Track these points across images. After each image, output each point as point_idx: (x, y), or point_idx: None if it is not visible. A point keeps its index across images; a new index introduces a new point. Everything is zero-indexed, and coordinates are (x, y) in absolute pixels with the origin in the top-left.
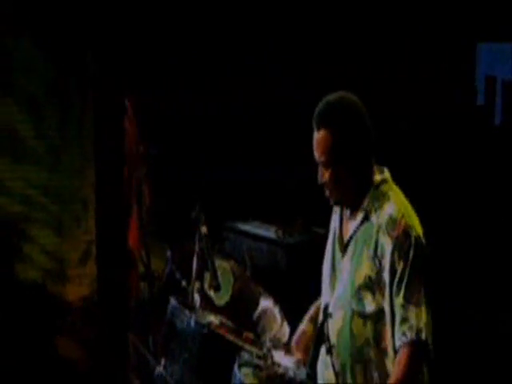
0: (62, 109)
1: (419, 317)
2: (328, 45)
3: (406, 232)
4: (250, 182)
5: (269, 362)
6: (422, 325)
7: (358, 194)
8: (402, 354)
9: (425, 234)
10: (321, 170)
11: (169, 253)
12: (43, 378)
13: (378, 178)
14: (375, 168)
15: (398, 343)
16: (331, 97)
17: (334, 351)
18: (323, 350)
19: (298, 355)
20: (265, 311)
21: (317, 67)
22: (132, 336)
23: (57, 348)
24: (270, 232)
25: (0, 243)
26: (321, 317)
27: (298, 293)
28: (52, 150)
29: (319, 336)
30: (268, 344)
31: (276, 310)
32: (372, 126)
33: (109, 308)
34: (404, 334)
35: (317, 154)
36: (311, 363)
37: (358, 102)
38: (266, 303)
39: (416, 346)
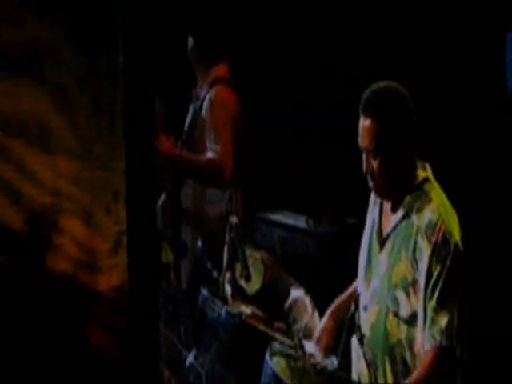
0: (93, 99)
1: (451, 323)
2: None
3: (445, 238)
4: (281, 170)
5: (300, 351)
6: (453, 331)
7: (401, 187)
8: (428, 356)
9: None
10: (366, 158)
11: (200, 243)
12: (75, 369)
13: (421, 174)
14: (418, 163)
15: (426, 346)
16: (378, 85)
17: (366, 341)
18: (355, 339)
19: (319, 352)
20: (296, 301)
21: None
22: (163, 326)
23: (88, 339)
24: (300, 222)
25: (31, 235)
26: (353, 307)
27: (329, 283)
28: (82, 141)
29: (350, 326)
30: (299, 334)
31: (307, 300)
32: (417, 118)
33: (140, 298)
34: (433, 337)
35: (364, 142)
36: (342, 352)
37: (404, 90)
38: (296, 293)
39: (443, 351)
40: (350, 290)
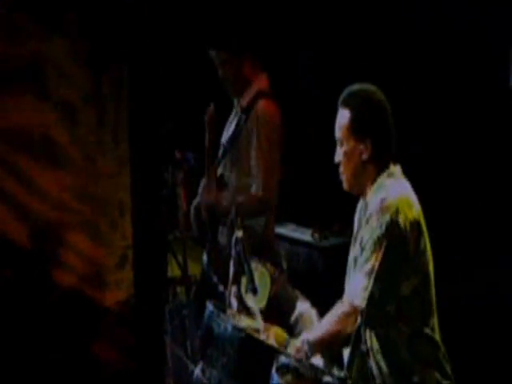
0: (97, 114)
1: (360, 284)
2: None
3: (384, 209)
4: (286, 184)
5: (306, 364)
6: (359, 292)
7: (367, 181)
8: (333, 309)
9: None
10: (337, 149)
11: (205, 257)
12: (82, 382)
13: (387, 172)
14: (390, 164)
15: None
16: (358, 84)
17: (371, 354)
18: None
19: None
20: (302, 315)
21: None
22: (169, 340)
23: (94, 353)
24: (306, 235)
25: (36, 249)
26: (359, 320)
27: (335, 296)
28: (87, 155)
29: (356, 338)
30: (305, 347)
31: (313, 314)
32: (393, 123)
33: (146, 312)
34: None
35: (335, 132)
36: (348, 366)
37: (381, 95)
38: (303, 306)
39: (347, 307)
40: None
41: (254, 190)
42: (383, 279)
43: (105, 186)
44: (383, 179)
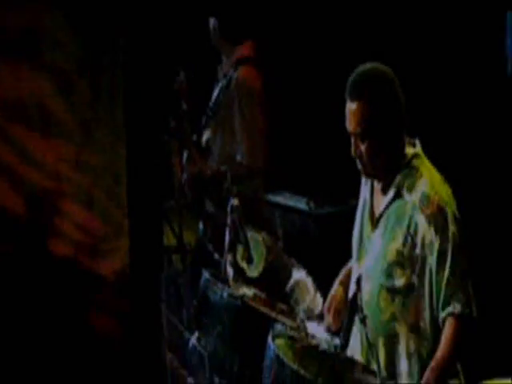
0: (93, 83)
1: (467, 291)
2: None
3: (441, 208)
4: (281, 152)
5: (302, 333)
6: (470, 299)
7: (390, 167)
8: (452, 328)
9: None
10: (355, 142)
11: (201, 225)
12: (77, 353)
13: (409, 151)
14: (407, 141)
15: (443, 315)
16: (364, 67)
17: (368, 322)
18: (357, 320)
19: (329, 319)
20: (298, 283)
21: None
22: (165, 309)
23: (90, 322)
24: (301, 203)
25: (32, 219)
26: (353, 288)
27: (331, 264)
28: (83, 125)
29: (352, 307)
30: (301, 315)
31: (309, 282)
32: (404, 98)
33: (142, 281)
34: (454, 307)
35: (351, 126)
36: (345, 334)
37: (390, 72)
38: (298, 275)
39: (465, 320)
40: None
41: (238, 157)
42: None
43: (100, 155)
44: (412, 164)
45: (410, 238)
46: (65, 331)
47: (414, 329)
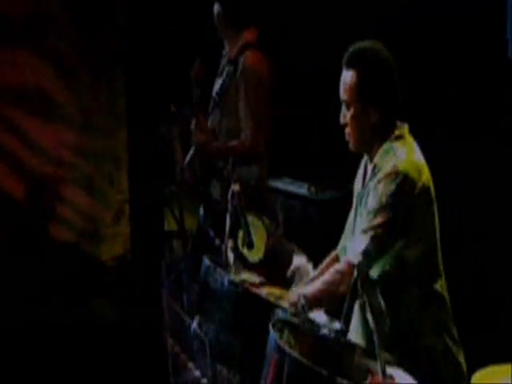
0: (94, 69)
1: (360, 246)
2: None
3: (392, 176)
4: (282, 137)
5: (303, 319)
6: (358, 252)
7: (374, 142)
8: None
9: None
10: (342, 110)
11: (202, 211)
12: (78, 337)
13: (396, 132)
14: (398, 124)
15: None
16: (363, 42)
17: (367, 308)
18: (356, 306)
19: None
20: (298, 268)
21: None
22: (166, 295)
23: (91, 307)
24: (302, 189)
25: (33, 204)
26: (354, 273)
27: (331, 249)
28: (84, 111)
29: (353, 292)
30: (302, 301)
31: (309, 267)
32: (399, 82)
33: (142, 267)
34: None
35: (341, 93)
36: (345, 319)
37: (388, 52)
38: (299, 260)
39: (343, 266)
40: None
41: (242, 137)
42: (381, 241)
43: (101, 141)
44: (391, 142)
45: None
46: (66, 316)
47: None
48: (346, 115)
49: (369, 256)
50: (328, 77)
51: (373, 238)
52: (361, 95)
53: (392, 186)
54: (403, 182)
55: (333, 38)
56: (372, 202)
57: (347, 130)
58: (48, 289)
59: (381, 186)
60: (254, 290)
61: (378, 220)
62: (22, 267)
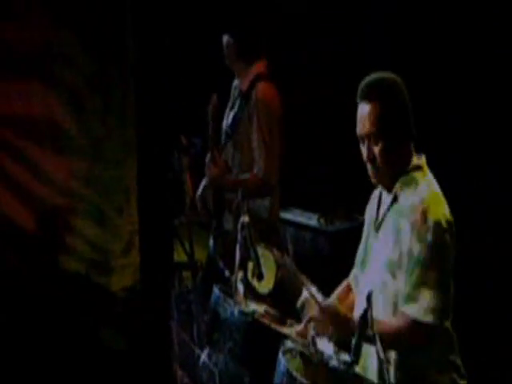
0: (104, 99)
1: (432, 299)
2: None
3: (424, 216)
4: (292, 168)
5: (312, 349)
6: (433, 306)
7: (396, 174)
8: (400, 321)
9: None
10: (368, 145)
11: (211, 242)
12: (87, 369)
13: (414, 162)
14: (414, 153)
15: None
16: (376, 73)
17: (378, 339)
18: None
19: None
20: (308, 300)
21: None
22: (175, 326)
23: (101, 339)
24: (312, 220)
25: (43, 235)
26: (365, 304)
27: (341, 281)
28: (94, 141)
29: (363, 323)
30: (311, 332)
31: (319, 298)
32: (411, 103)
33: (152, 298)
34: (408, 309)
35: (365, 128)
36: (355, 351)
37: (399, 78)
38: (309, 291)
39: (416, 325)
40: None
41: (254, 171)
42: (446, 289)
43: (111, 171)
44: (412, 172)
45: (397, 245)
46: (76, 347)
47: None
48: (372, 149)
49: (439, 312)
50: (339, 107)
51: (435, 285)
52: (389, 127)
53: (438, 233)
54: (439, 217)
55: (340, 72)
56: (415, 244)
57: (374, 165)
58: (58, 319)
59: (428, 235)
60: (264, 320)
61: (433, 263)
62: (32, 298)
